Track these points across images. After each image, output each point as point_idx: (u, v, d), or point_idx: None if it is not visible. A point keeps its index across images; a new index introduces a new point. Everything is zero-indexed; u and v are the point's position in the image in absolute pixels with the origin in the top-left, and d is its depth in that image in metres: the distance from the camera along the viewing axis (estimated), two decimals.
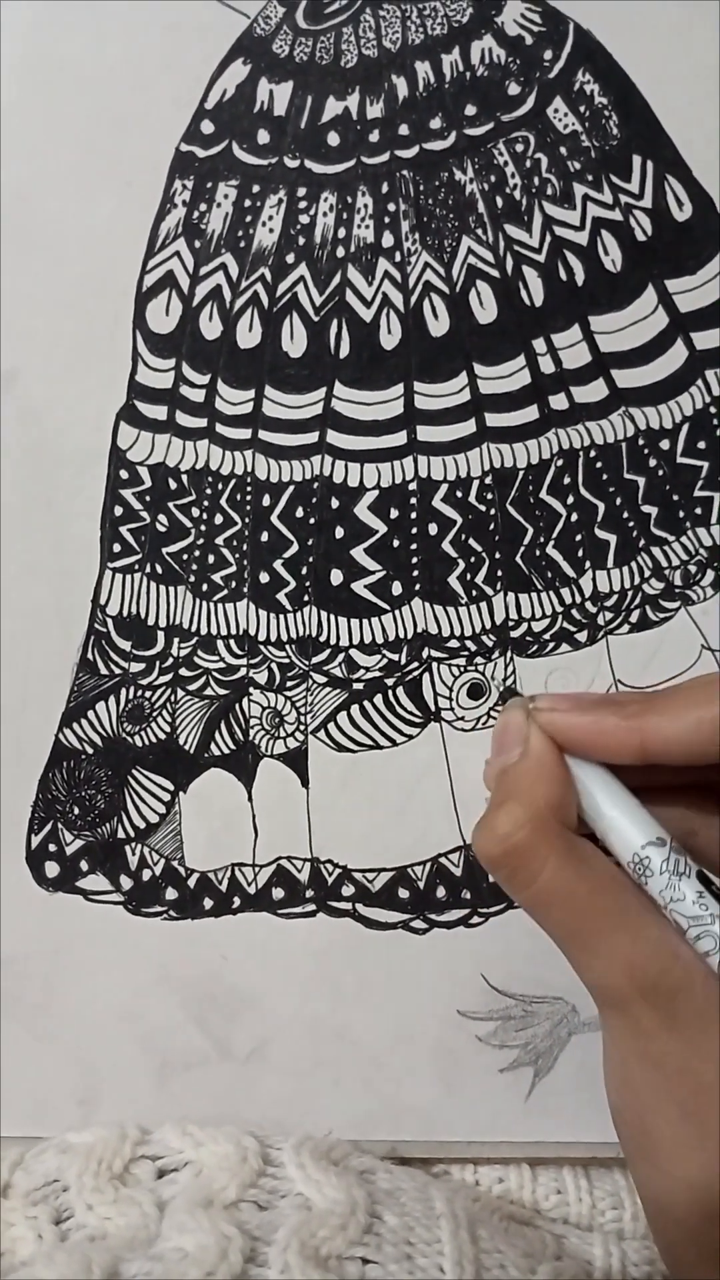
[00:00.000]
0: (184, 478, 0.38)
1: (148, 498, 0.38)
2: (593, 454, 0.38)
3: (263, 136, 0.36)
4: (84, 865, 0.39)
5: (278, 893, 0.39)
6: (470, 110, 0.36)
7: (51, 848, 0.39)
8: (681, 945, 0.27)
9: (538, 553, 0.38)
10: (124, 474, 0.38)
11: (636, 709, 0.29)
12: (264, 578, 0.38)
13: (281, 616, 0.38)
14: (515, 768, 0.30)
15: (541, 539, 0.38)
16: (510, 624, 0.38)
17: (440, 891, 0.39)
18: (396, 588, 0.38)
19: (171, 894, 0.39)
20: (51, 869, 0.39)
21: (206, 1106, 0.40)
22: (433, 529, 0.38)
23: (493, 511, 0.38)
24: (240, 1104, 0.40)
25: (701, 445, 0.38)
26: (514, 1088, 0.40)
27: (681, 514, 0.38)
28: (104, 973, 0.40)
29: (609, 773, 0.30)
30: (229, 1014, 0.40)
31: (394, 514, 0.38)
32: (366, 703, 0.39)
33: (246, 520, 0.38)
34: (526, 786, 0.29)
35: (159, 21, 0.35)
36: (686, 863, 0.28)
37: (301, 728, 0.39)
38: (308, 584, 0.38)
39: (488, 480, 0.38)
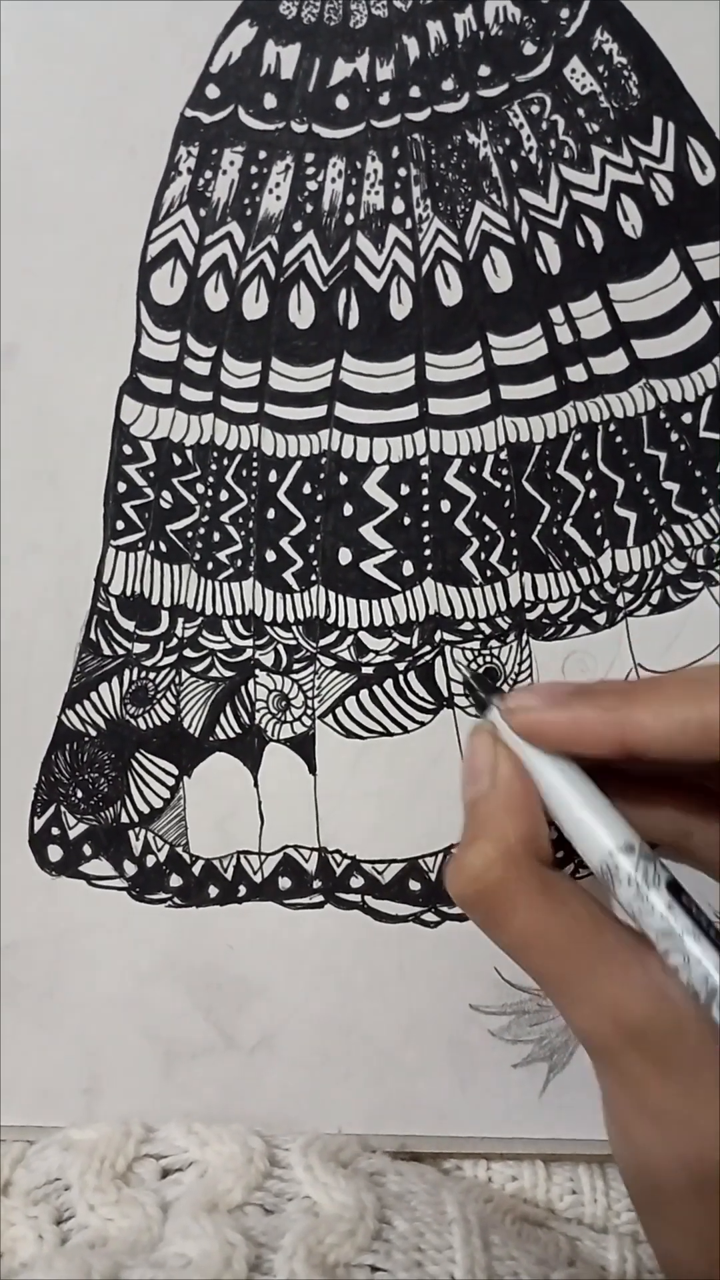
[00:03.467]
0: (189, 453, 0.34)
1: (152, 474, 0.34)
2: (612, 428, 0.34)
3: (269, 101, 0.33)
4: (87, 850, 0.36)
5: (284, 882, 0.36)
6: (484, 71, 0.33)
7: (54, 831, 0.36)
8: (670, 983, 0.23)
9: (555, 531, 0.34)
10: (127, 449, 0.34)
11: (615, 701, 0.25)
12: (270, 556, 0.35)
13: (288, 596, 0.35)
14: (485, 800, 0.26)
15: (559, 517, 0.34)
16: (526, 605, 0.35)
17: None
18: (407, 567, 0.34)
19: (176, 881, 0.36)
20: (54, 853, 0.36)
21: (213, 1097, 0.36)
22: (445, 506, 0.34)
23: (508, 488, 0.34)
24: (247, 1095, 0.36)
25: None
26: (528, 1083, 0.36)
27: (704, 490, 0.34)
28: (108, 959, 0.36)
29: (581, 772, 0.26)
30: (236, 1004, 0.36)
31: (405, 490, 0.34)
32: (376, 687, 0.35)
33: (252, 497, 0.34)
34: (497, 821, 0.26)
35: None
36: (656, 871, 0.24)
37: (309, 712, 0.35)
38: (315, 563, 0.34)
39: (503, 455, 0.34)
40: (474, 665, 0.34)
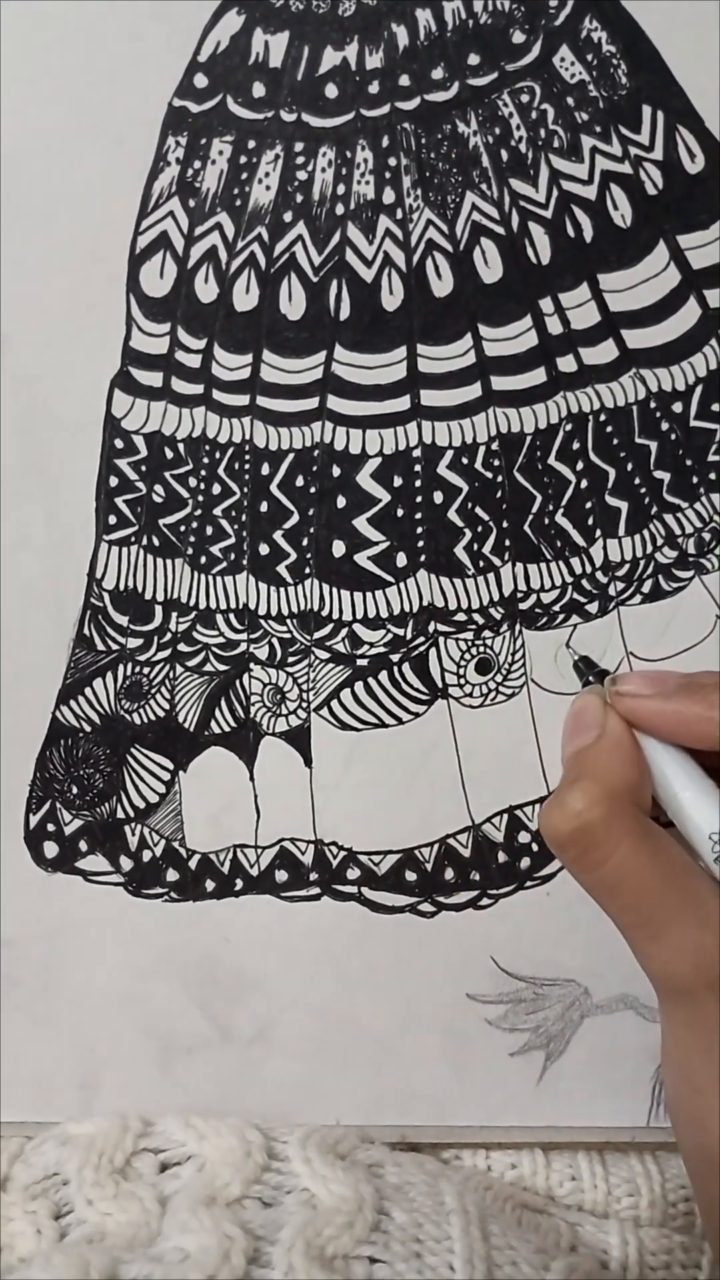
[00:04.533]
0: (180, 446, 0.34)
1: (144, 467, 0.34)
2: (603, 418, 0.34)
3: (258, 90, 0.32)
4: (83, 845, 0.35)
5: (281, 875, 0.35)
6: (473, 59, 0.32)
7: (50, 827, 0.35)
8: None
9: (546, 521, 0.34)
10: (119, 443, 0.34)
11: None
12: (264, 549, 0.34)
13: (282, 590, 0.34)
14: (591, 748, 0.27)
15: (550, 507, 0.34)
16: (519, 595, 0.34)
17: (448, 873, 0.35)
18: (401, 559, 0.34)
19: (172, 875, 0.35)
20: (50, 849, 0.35)
21: (210, 1091, 0.36)
22: (438, 497, 0.34)
23: (500, 479, 0.34)
24: (244, 1088, 0.36)
25: (715, 408, 0.33)
26: (525, 1071, 0.36)
27: (695, 479, 0.34)
28: (104, 955, 0.35)
29: (685, 753, 0.27)
30: (232, 997, 0.36)
31: (398, 482, 0.34)
32: (371, 679, 0.35)
33: (245, 490, 0.34)
34: (602, 766, 0.26)
35: None
36: None
37: (304, 705, 0.35)
38: (309, 556, 0.34)
39: (494, 446, 0.33)
40: (570, 646, 0.34)
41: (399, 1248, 0.30)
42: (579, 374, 0.33)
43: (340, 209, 0.33)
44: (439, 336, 0.33)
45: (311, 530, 0.34)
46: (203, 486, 0.34)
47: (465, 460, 0.33)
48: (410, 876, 0.35)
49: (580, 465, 0.34)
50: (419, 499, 0.34)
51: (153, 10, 0.32)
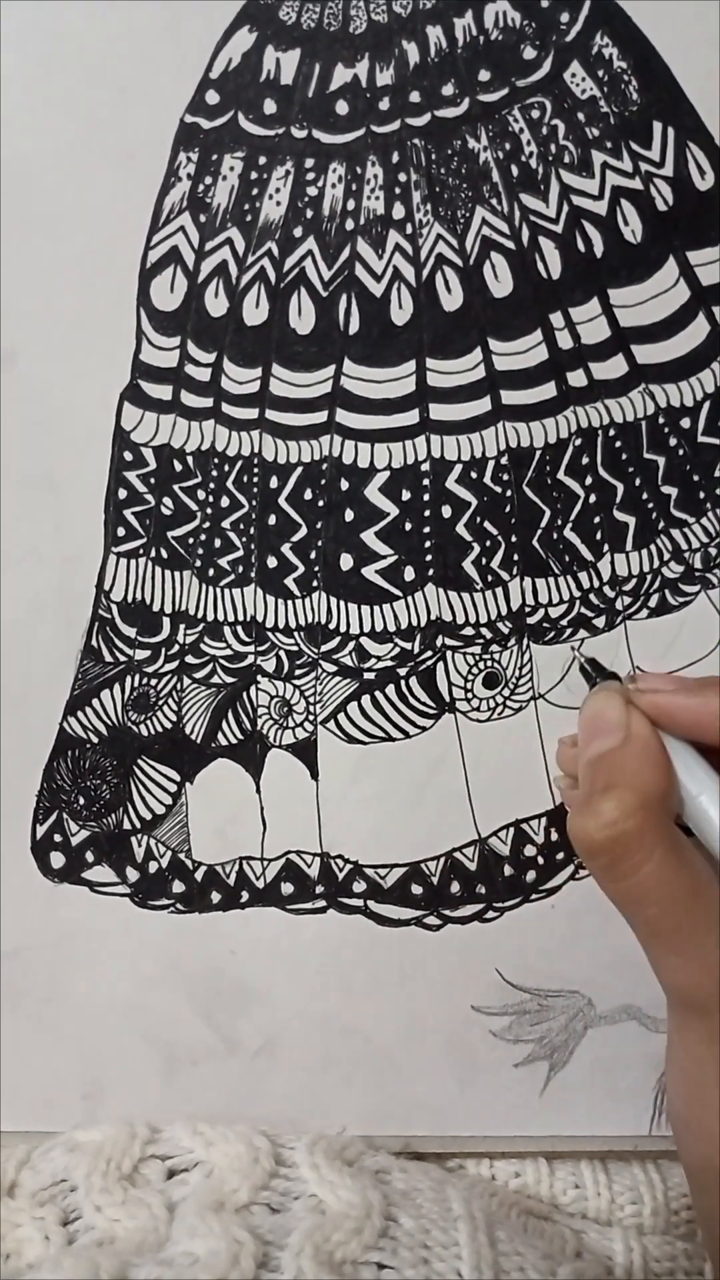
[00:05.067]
0: (189, 459, 0.34)
1: (152, 480, 0.34)
2: (612, 433, 0.34)
3: (269, 106, 0.32)
4: (89, 856, 0.35)
5: (287, 888, 0.35)
6: (484, 76, 0.32)
7: (57, 838, 0.35)
8: None
9: (555, 536, 0.34)
10: (128, 456, 0.34)
11: None
12: (271, 562, 0.34)
13: (290, 602, 0.34)
14: (618, 753, 0.27)
15: (559, 521, 0.34)
16: (527, 610, 0.34)
17: (454, 887, 0.35)
18: (409, 573, 0.34)
19: (178, 887, 0.35)
20: (57, 860, 0.35)
21: (214, 1102, 0.36)
22: (446, 511, 0.34)
23: (509, 493, 0.34)
24: (249, 1100, 0.36)
25: None
26: (529, 1082, 0.36)
27: (702, 495, 0.34)
28: (110, 965, 0.36)
29: (697, 753, 0.27)
30: (237, 1009, 0.36)
31: (406, 496, 0.34)
32: (378, 692, 0.35)
33: (253, 503, 0.34)
34: (634, 772, 0.26)
35: None
36: None
37: (311, 718, 0.35)
38: (317, 569, 0.34)
39: (503, 460, 0.34)
40: (578, 650, 0.34)
41: (407, 1254, 0.30)
42: (588, 389, 0.33)
43: (350, 224, 0.33)
44: (448, 351, 0.33)
45: (319, 543, 0.34)
46: (211, 499, 0.34)
47: (474, 474, 0.33)
48: (416, 889, 0.35)
49: (589, 480, 0.34)
50: (427, 513, 0.34)
51: (165, 27, 0.32)
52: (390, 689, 0.34)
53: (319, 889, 0.35)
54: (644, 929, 0.26)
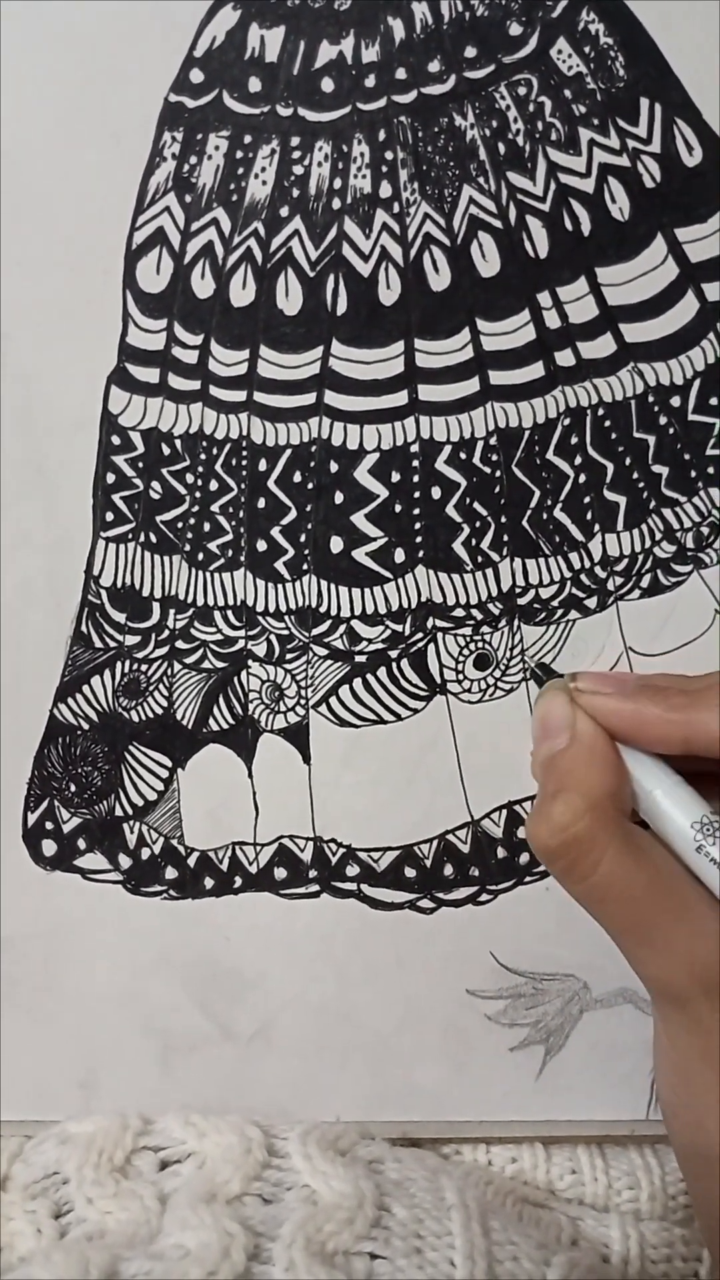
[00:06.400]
0: (177, 443, 0.33)
1: (140, 464, 0.33)
2: (601, 412, 0.33)
3: (254, 84, 0.32)
4: (82, 843, 0.35)
5: (280, 873, 0.35)
6: (470, 52, 0.32)
7: (49, 826, 0.35)
8: None
9: (545, 516, 0.34)
10: (116, 440, 0.33)
11: (681, 701, 0.26)
12: (261, 546, 0.34)
13: (280, 586, 0.34)
14: (565, 754, 0.26)
15: (549, 501, 0.33)
16: (517, 591, 0.34)
17: (448, 869, 0.35)
18: (399, 555, 0.34)
19: (171, 873, 0.35)
20: (49, 847, 0.35)
21: (210, 1089, 0.35)
22: (436, 493, 0.33)
23: (498, 474, 0.33)
24: (244, 1086, 0.36)
25: (714, 401, 0.33)
26: (525, 1066, 0.36)
27: (693, 473, 0.34)
28: (104, 953, 0.35)
29: (647, 751, 0.26)
30: (232, 995, 0.35)
31: (396, 477, 0.33)
32: (369, 675, 0.34)
33: (242, 486, 0.33)
34: (581, 775, 0.26)
35: None
36: None
37: (302, 702, 0.34)
38: (307, 552, 0.34)
39: (492, 441, 0.33)
40: (527, 659, 0.34)
41: (400, 1244, 0.30)
42: (577, 368, 0.33)
43: (337, 203, 0.32)
44: (436, 331, 0.33)
45: (309, 526, 0.33)
46: (200, 483, 0.33)
47: (463, 455, 0.33)
48: (409, 873, 0.35)
49: (578, 460, 0.33)
50: (417, 494, 0.33)
51: (149, 6, 0.31)
52: (381, 672, 0.34)
53: (312, 873, 0.35)
54: (611, 927, 0.26)
